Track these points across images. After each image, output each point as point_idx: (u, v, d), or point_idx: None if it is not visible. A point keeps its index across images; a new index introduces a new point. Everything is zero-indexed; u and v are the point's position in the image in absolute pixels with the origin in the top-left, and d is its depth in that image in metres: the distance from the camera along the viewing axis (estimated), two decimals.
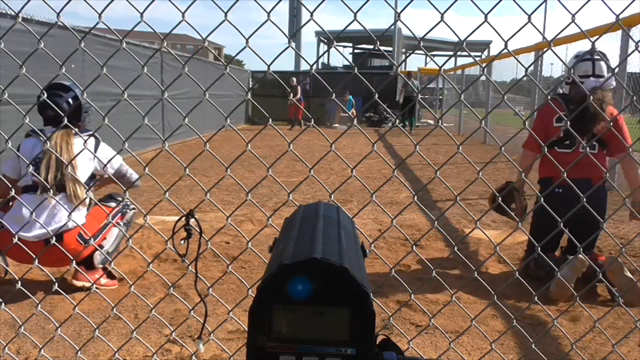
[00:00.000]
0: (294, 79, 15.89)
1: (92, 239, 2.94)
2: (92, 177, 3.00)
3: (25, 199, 2.78)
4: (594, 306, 2.91)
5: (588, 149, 3.14)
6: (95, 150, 3.00)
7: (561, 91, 3.57)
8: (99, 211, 3.03)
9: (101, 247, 3.02)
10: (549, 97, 3.43)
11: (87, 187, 2.88)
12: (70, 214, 2.57)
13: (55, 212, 2.84)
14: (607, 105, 3.21)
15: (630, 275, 2.92)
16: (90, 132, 3.03)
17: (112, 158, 2.52)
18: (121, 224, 3.14)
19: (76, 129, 2.90)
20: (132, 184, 3.10)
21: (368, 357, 0.49)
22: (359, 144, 10.79)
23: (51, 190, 2.68)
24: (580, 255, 2.95)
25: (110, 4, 1.33)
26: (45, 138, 2.81)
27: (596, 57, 3.34)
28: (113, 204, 3.16)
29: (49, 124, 3.00)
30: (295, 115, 15.56)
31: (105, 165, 2.94)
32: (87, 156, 2.96)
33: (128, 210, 3.19)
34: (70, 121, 2.96)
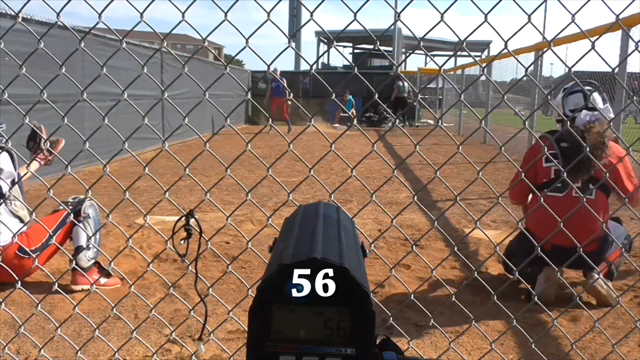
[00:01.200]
0: (277, 69, 13.76)
1: (36, 249, 2.84)
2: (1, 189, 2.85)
3: None
4: (594, 306, 2.91)
5: (584, 195, 2.56)
6: None
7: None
8: (46, 220, 2.94)
9: (79, 248, 2.98)
10: (538, 136, 3.02)
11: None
12: None
13: None
14: (609, 140, 2.73)
15: (605, 289, 2.77)
16: None
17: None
18: (81, 219, 3.04)
19: None
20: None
21: (368, 357, 0.49)
22: (359, 144, 10.78)
23: None
24: (544, 272, 2.75)
25: (110, 4, 1.33)
26: None
27: (588, 88, 2.98)
28: (60, 208, 3.04)
29: None
30: (279, 112, 13.91)
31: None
32: None
33: (81, 206, 3.07)
34: None
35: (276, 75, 13.59)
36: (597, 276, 2.70)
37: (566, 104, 2.99)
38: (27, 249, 2.80)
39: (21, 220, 2.94)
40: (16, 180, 2.91)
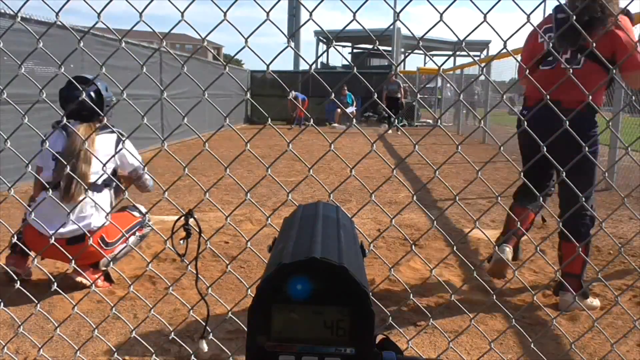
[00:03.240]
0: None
1: (112, 243, 2.95)
2: (114, 174, 2.98)
3: (45, 195, 2.79)
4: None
5: (570, 64, 2.61)
6: (116, 147, 2.97)
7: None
8: (123, 217, 3.04)
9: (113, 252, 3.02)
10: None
11: (102, 186, 2.93)
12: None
13: (80, 210, 2.84)
14: (615, 5, 2.62)
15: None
16: (114, 129, 3.03)
17: (133, 157, 2.52)
18: (138, 235, 3.15)
19: (98, 124, 2.92)
20: (146, 188, 3.16)
21: (367, 356, 0.49)
22: (358, 143, 10.79)
23: (77, 187, 2.68)
24: (499, 256, 2.71)
25: (110, 3, 1.33)
26: (62, 134, 2.81)
27: None
28: (137, 214, 3.16)
29: (71, 118, 2.94)
30: (296, 113, 15.30)
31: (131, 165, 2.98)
32: (106, 153, 2.91)
33: (147, 226, 3.18)
34: (93, 115, 3.00)
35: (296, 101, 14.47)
36: (571, 300, 2.70)
37: None
38: (108, 240, 2.91)
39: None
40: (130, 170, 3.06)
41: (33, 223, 2.74)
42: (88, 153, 2.83)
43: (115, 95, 3.08)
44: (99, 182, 2.91)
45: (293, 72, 19.14)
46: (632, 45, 2.53)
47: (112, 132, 2.97)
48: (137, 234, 3.14)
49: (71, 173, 2.53)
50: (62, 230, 2.74)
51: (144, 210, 3.22)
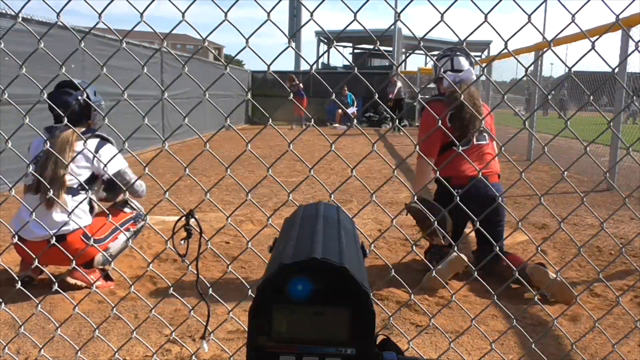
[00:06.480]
0: (293, 76, 15.48)
1: (100, 240, 2.94)
2: (92, 179, 2.98)
3: (26, 199, 2.80)
4: (593, 306, 2.90)
5: (480, 141, 3.30)
6: (97, 151, 2.97)
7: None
8: (112, 214, 3.04)
9: (106, 249, 3.01)
10: (430, 99, 3.60)
11: (82, 190, 2.91)
12: (69, 214, 2.58)
13: (57, 212, 2.84)
14: (478, 98, 3.34)
15: (554, 276, 2.84)
16: (96, 132, 3.04)
17: (112, 158, 2.52)
18: (131, 230, 3.14)
19: (80, 129, 2.93)
20: (136, 193, 3.13)
21: (368, 356, 0.49)
22: (359, 143, 10.78)
23: (50, 190, 2.67)
24: (457, 254, 2.93)
25: (110, 4, 1.33)
26: (45, 138, 2.80)
27: (456, 53, 3.40)
28: (127, 210, 3.17)
29: (58, 122, 2.97)
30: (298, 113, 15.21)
31: (105, 165, 2.92)
32: (85, 157, 2.94)
33: (140, 220, 3.19)
34: (80, 120, 3.00)
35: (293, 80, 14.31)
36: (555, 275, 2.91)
37: (438, 67, 3.51)
38: (91, 236, 2.84)
39: (91, 210, 3.03)
40: (112, 176, 3.02)
41: (13, 227, 2.77)
42: (65, 157, 2.83)
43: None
44: (75, 185, 2.90)
45: (293, 72, 19.11)
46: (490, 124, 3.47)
47: (97, 136, 2.98)
48: (131, 229, 3.14)
49: (39, 177, 2.48)
50: (41, 232, 2.76)
51: (139, 206, 3.22)
